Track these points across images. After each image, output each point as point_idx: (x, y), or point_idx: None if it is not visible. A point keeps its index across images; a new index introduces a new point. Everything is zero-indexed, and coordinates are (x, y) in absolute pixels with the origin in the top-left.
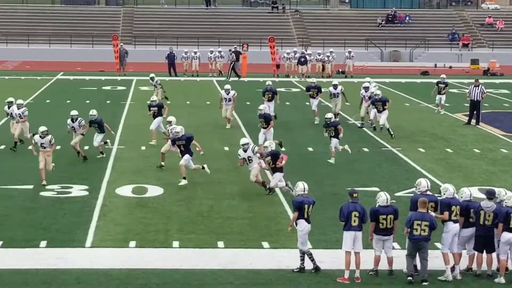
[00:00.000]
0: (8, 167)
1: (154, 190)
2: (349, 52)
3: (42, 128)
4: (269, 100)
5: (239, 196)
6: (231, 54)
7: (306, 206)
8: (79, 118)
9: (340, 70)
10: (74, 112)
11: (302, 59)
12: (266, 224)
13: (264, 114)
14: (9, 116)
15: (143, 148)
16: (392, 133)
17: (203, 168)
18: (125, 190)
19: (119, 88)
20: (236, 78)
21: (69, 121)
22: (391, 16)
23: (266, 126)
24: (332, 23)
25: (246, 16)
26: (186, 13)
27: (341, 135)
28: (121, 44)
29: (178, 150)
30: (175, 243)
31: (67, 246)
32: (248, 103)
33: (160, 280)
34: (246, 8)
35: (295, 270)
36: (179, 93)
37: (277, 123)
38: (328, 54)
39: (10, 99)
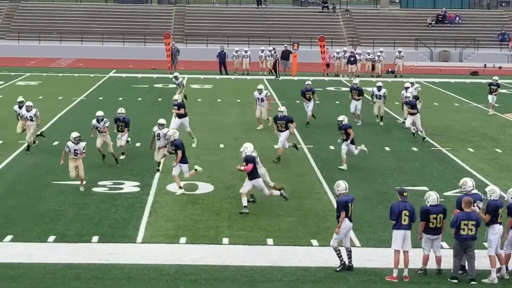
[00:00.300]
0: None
1: (204, 187)
2: (399, 52)
3: (75, 134)
4: (309, 100)
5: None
6: (274, 52)
7: (349, 204)
8: (104, 119)
9: (390, 69)
10: (100, 113)
11: (352, 59)
12: (314, 222)
13: (286, 117)
14: (18, 116)
15: (193, 145)
16: (414, 132)
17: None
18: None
19: (171, 86)
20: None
21: (94, 121)
22: (441, 16)
23: (284, 129)
24: (382, 23)
25: (296, 15)
26: (237, 12)
27: (348, 141)
28: (173, 42)
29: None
30: (225, 240)
31: (118, 242)
32: (297, 101)
33: (210, 276)
34: (297, 8)
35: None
36: (229, 91)
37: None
38: (379, 53)
39: (20, 98)
